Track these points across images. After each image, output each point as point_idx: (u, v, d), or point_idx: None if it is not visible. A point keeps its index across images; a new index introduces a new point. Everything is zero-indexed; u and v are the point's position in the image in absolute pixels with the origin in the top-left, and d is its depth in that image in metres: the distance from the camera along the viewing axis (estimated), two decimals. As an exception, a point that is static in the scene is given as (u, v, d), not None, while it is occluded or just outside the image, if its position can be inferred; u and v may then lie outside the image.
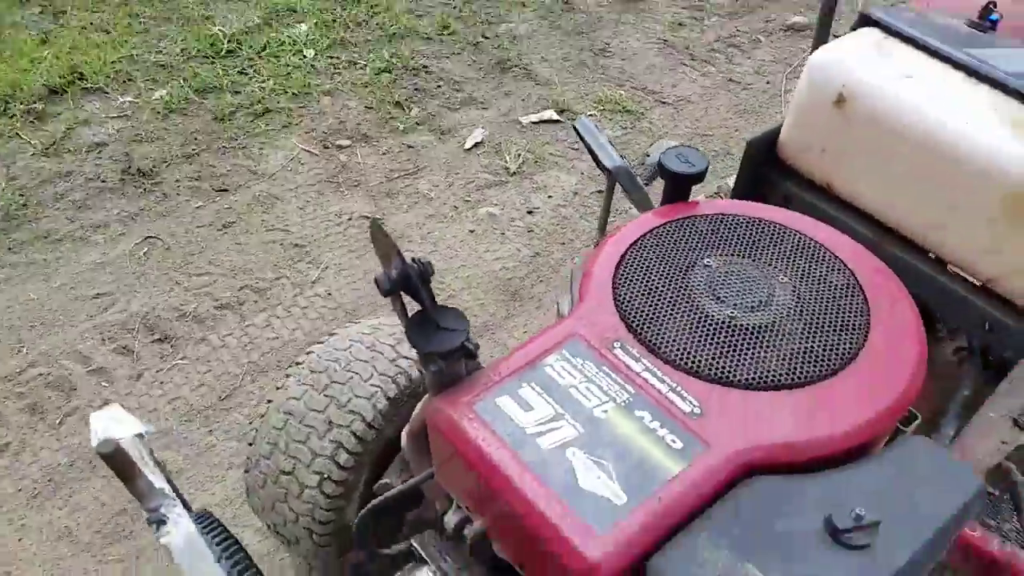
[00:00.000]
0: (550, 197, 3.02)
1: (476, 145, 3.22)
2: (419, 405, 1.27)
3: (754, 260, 1.19)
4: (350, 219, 2.92)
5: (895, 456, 0.96)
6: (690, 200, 1.37)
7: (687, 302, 1.12)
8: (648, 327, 1.09)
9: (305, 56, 3.57)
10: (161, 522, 0.99)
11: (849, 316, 1.11)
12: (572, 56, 3.69)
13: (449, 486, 1.11)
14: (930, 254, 1.53)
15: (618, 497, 0.91)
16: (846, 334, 1.08)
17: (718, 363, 1.04)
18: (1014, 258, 1.37)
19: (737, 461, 0.94)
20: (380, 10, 3.89)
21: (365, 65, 3.56)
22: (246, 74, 3.48)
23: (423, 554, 1.13)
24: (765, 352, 1.05)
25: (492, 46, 3.71)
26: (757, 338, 1.07)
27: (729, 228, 1.25)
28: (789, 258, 1.20)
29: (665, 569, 0.85)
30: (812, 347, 1.06)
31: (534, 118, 3.34)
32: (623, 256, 1.20)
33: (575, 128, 1.68)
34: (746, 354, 1.05)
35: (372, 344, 1.66)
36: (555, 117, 3.34)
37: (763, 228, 1.26)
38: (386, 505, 1.29)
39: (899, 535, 0.88)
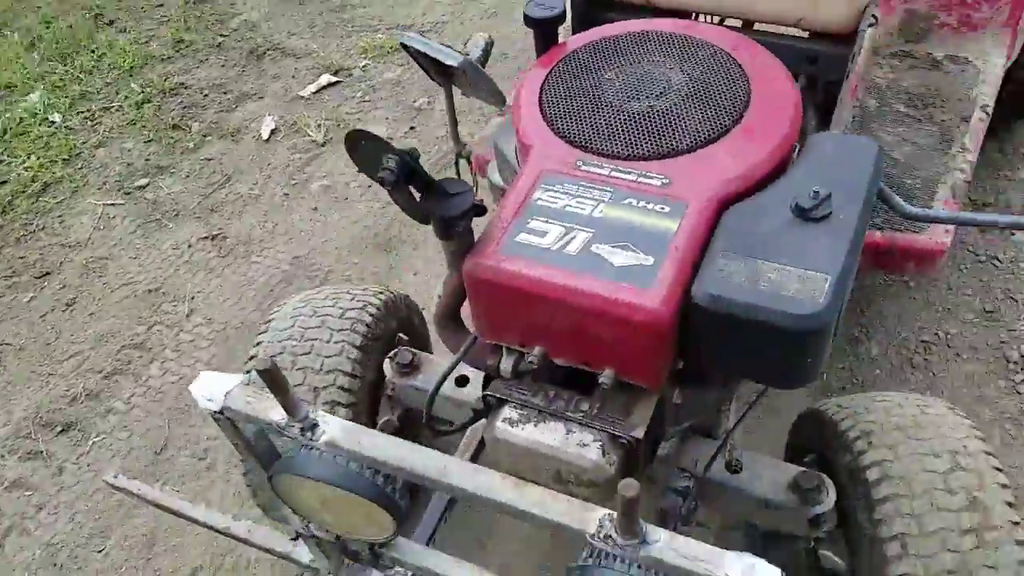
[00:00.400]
0: (367, 149, 3.09)
1: (273, 133, 3.22)
2: (438, 292, 1.37)
3: (640, 62, 1.39)
4: (189, 245, 2.86)
5: (811, 152, 1.21)
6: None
7: (611, 110, 1.31)
8: (594, 140, 1.28)
9: (54, 122, 3.36)
10: (314, 426, 1.05)
11: (730, 75, 1.34)
12: (316, 21, 3.73)
13: (498, 333, 1.25)
14: (742, 23, 1.81)
15: (647, 260, 1.11)
16: (735, 88, 1.31)
17: (658, 143, 1.25)
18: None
19: (712, 203, 1.17)
20: (103, 51, 3.71)
21: (120, 106, 3.41)
22: (1, 162, 3.23)
23: (500, 396, 1.26)
24: (688, 121, 1.26)
25: (234, 41, 3.67)
26: (676, 114, 1.28)
27: (606, 48, 1.44)
28: (664, 52, 1.41)
29: (706, 289, 1.06)
30: (717, 106, 1.28)
31: (313, 88, 3.37)
32: (540, 101, 1.36)
33: (403, 45, 1.74)
34: (675, 128, 1.26)
35: (314, 311, 1.73)
36: (333, 79, 3.39)
37: (632, 38, 1.45)
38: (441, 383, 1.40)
39: (846, 199, 1.12)
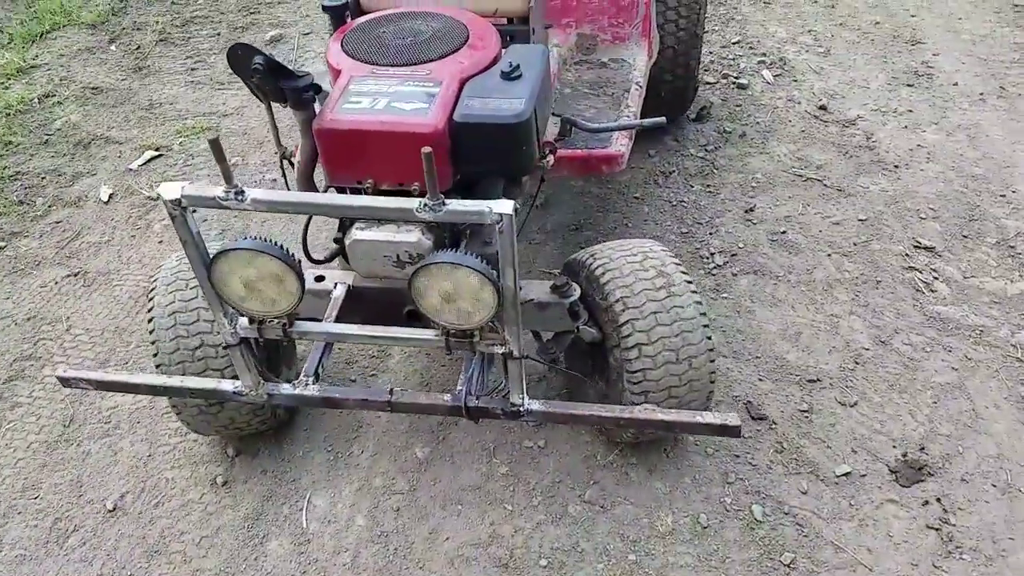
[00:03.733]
0: (199, 196, 3.79)
1: (111, 197, 3.82)
2: (296, 157, 2.13)
3: (401, 23, 2.31)
4: (56, 283, 3.39)
5: (509, 52, 2.17)
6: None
7: (388, 45, 2.19)
8: (381, 58, 2.15)
9: None
10: (242, 192, 1.76)
11: (454, 26, 2.28)
12: (131, 117, 4.40)
13: (340, 175, 2.04)
14: None
15: (424, 106, 1.98)
16: (458, 31, 2.25)
17: (420, 55, 2.15)
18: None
19: (456, 80, 2.08)
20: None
21: (-38, 194, 3.87)
22: None
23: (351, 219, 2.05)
24: (434, 46, 2.19)
25: (59, 137, 4.25)
26: (427, 43, 2.19)
27: (377, 20, 2.33)
28: (414, 19, 2.32)
29: (461, 112, 1.96)
30: (449, 39, 2.21)
31: (140, 161, 4.03)
32: (343, 48, 2.22)
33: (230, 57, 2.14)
34: (428, 49, 2.17)
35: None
36: (156, 154, 4.08)
37: (393, 15, 2.35)
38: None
39: (528, 67, 2.09)
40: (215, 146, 1.67)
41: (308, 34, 5.11)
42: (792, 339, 3.02)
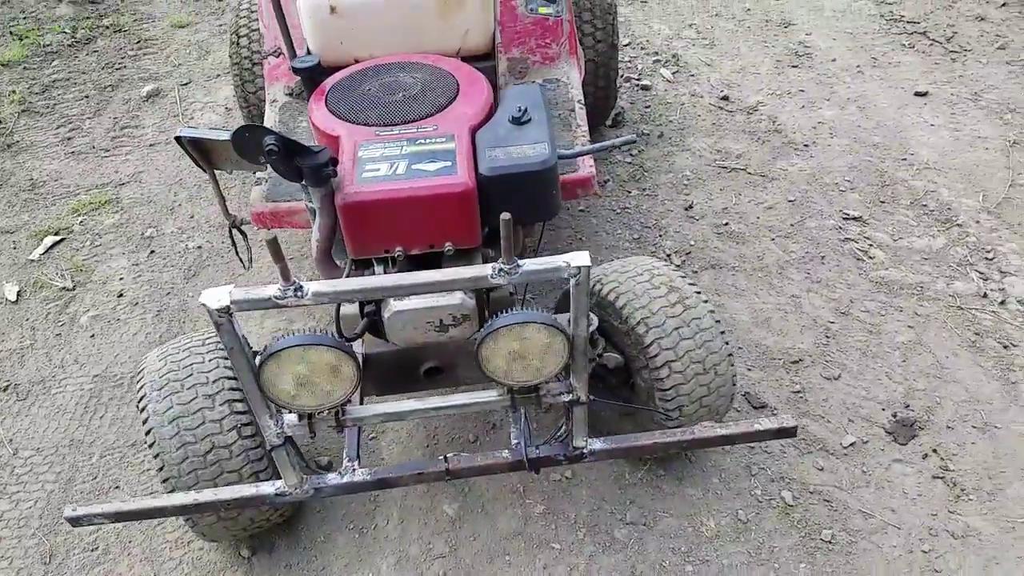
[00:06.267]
0: (121, 279, 3.49)
1: (19, 296, 3.44)
2: (313, 240, 1.99)
3: (382, 78, 2.21)
4: (-17, 403, 3.00)
5: (506, 97, 2.13)
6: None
7: (381, 103, 2.10)
8: (379, 119, 2.05)
9: None
10: (301, 287, 1.58)
11: (441, 75, 2.21)
12: (14, 201, 3.95)
13: (367, 247, 1.93)
14: None
15: (448, 163, 1.91)
16: (448, 83, 2.19)
17: (419, 110, 2.07)
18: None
19: (467, 130, 2.02)
20: None
21: None
22: None
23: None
24: (429, 99, 2.11)
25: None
26: (421, 97, 2.11)
27: (355, 77, 2.23)
28: (396, 71, 2.24)
29: (487, 166, 1.92)
30: (442, 90, 2.15)
31: (41, 250, 3.65)
32: (331, 111, 2.10)
33: (177, 139, 2.03)
34: (424, 103, 2.09)
35: (187, 350, 2.19)
36: (56, 239, 3.70)
37: (370, 69, 2.26)
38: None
39: (535, 110, 2.04)
40: (273, 246, 1.53)
41: (187, 84, 4.80)
42: (764, 325, 3.13)
